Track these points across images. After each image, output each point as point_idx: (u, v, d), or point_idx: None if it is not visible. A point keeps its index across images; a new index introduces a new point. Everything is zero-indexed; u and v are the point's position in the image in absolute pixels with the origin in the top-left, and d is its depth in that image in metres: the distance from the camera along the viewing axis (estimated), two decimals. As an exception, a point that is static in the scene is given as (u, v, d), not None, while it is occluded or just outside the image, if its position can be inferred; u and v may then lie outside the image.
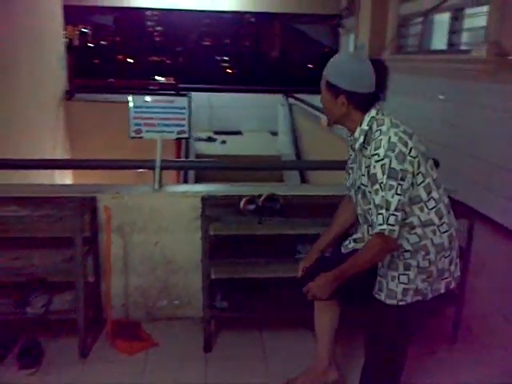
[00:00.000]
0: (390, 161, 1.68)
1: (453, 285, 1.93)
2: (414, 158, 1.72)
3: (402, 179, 1.69)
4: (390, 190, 1.68)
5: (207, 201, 2.61)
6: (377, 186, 1.71)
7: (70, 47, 8.83)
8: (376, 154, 1.71)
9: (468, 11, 5.35)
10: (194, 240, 2.65)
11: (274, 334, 2.77)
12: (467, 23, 5.36)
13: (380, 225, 1.70)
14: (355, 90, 1.77)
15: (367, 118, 1.80)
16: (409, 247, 1.81)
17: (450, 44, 5.65)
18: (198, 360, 2.55)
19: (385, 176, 1.68)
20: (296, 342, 2.68)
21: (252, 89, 10.72)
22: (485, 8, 4.77)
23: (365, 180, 1.80)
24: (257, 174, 4.30)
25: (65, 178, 6.55)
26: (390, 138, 1.72)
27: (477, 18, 5.04)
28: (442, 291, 1.89)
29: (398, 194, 1.68)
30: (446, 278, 1.88)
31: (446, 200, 1.88)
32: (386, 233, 1.69)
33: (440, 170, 1.99)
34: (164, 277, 2.84)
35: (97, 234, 2.71)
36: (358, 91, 1.78)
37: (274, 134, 9.75)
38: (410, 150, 1.71)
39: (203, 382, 2.39)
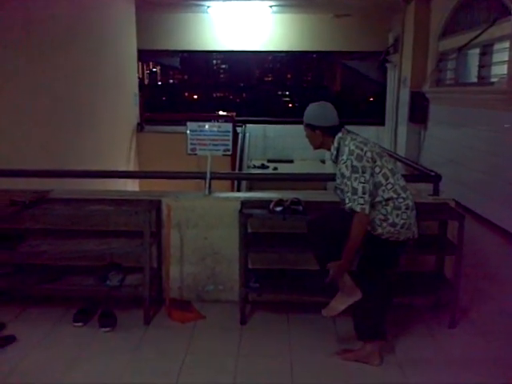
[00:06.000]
0: (351, 161, 2.52)
1: (412, 235, 2.69)
2: (370, 157, 2.50)
3: (363, 172, 2.47)
4: (355, 181, 2.48)
5: (245, 203, 3.31)
6: (346, 180, 2.52)
7: (141, 85, 10.02)
8: (342, 160, 2.57)
9: (496, 47, 5.80)
10: (236, 235, 3.29)
11: (298, 316, 3.37)
12: (496, 57, 5.80)
13: (347, 203, 2.50)
14: (324, 124, 2.67)
15: (337, 139, 2.67)
16: (383, 211, 2.59)
17: (480, 77, 6.10)
18: (234, 330, 3.21)
19: (349, 171, 2.49)
20: (313, 322, 3.25)
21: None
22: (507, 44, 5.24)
23: (339, 180, 2.63)
24: (302, 185, 5.01)
25: (134, 187, 7.55)
26: (349, 147, 2.57)
27: (502, 53, 5.49)
28: (402, 238, 2.65)
29: (361, 183, 2.47)
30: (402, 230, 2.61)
31: (402, 183, 2.62)
32: (358, 210, 2.46)
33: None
34: (211, 266, 3.53)
35: (160, 229, 3.48)
36: (326, 125, 2.67)
37: (324, 161, 10.36)
38: (365, 153, 2.54)
39: (237, 344, 3.03)
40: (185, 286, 3.56)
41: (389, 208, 2.57)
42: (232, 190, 6.34)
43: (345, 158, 2.55)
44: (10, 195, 3.43)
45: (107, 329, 3.17)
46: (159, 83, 16.58)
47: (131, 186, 7.41)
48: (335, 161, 2.69)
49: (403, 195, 2.60)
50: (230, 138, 3.55)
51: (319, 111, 2.71)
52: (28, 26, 5.01)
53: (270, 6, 9.89)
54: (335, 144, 2.66)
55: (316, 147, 2.79)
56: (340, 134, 2.66)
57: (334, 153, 2.67)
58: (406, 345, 3.02)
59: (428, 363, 2.86)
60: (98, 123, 6.90)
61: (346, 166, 2.52)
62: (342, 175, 2.56)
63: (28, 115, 5.05)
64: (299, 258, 3.42)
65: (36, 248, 3.39)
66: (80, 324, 3.22)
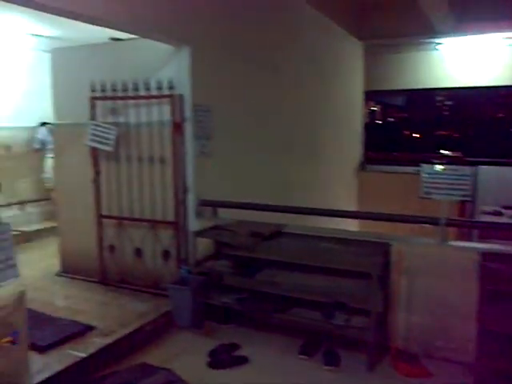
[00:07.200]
0: None
1: None
2: None
3: None
4: None
5: (486, 256, 2.98)
6: None
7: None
8: None
9: None
10: (473, 290, 2.98)
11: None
12: None
13: None
14: None
15: None
16: None
17: None
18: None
19: None
20: None
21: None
22: None
23: None
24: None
25: (352, 226, 7.57)
26: None
27: None
28: None
29: None
30: None
31: None
32: None
33: None
34: (443, 320, 3.26)
35: (388, 273, 3.39)
36: None
37: None
38: None
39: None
40: (411, 337, 3.37)
41: None
42: (459, 238, 5.82)
43: None
44: (251, 227, 3.81)
45: (331, 367, 3.20)
46: (378, 122, 16.59)
47: (351, 223, 7.47)
48: None
49: None
50: (469, 182, 3.28)
51: None
52: (273, 68, 5.52)
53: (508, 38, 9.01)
54: None
55: None
56: None
57: None
58: None
59: None
60: (326, 162, 7.22)
61: None
62: None
63: (263, 152, 5.47)
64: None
65: (270, 278, 3.68)
66: (305, 357, 3.32)
